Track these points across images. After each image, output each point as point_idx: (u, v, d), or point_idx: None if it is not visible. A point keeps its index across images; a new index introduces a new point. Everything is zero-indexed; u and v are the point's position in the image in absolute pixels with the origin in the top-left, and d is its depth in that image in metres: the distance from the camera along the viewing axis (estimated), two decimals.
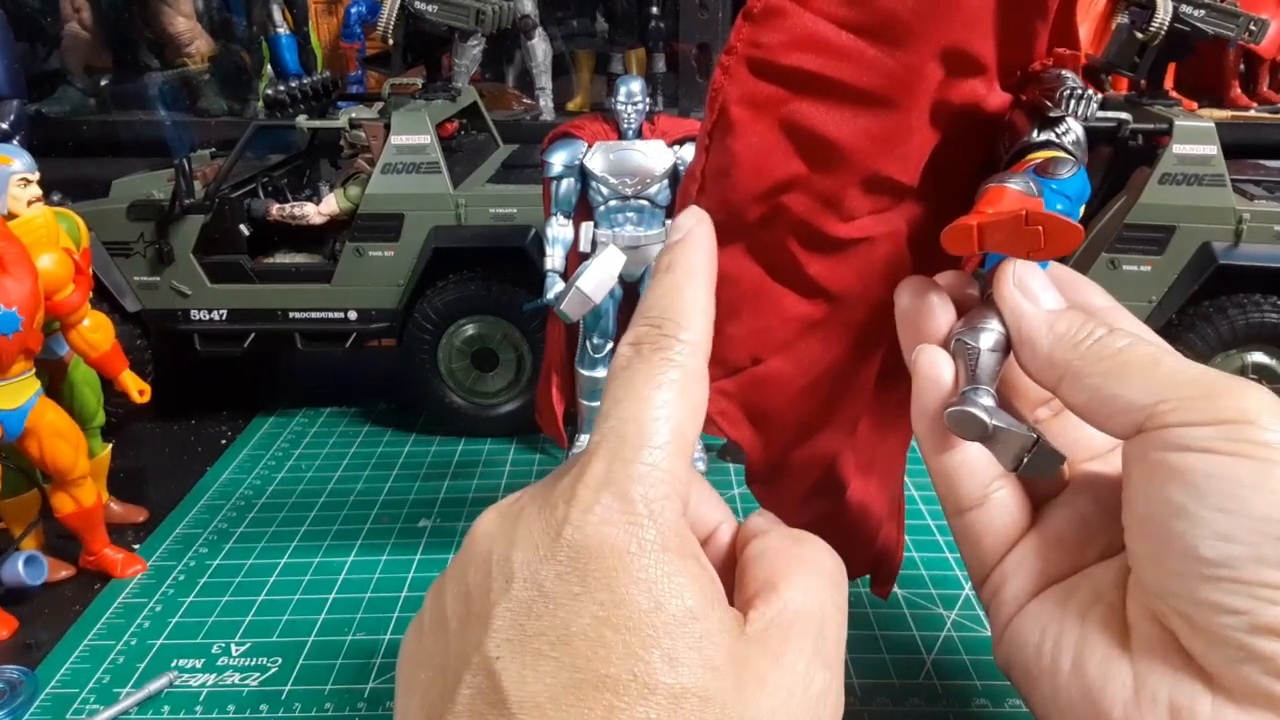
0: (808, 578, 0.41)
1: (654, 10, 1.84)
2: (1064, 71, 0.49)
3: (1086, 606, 0.44)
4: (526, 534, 0.37)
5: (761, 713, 0.35)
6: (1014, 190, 0.45)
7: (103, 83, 1.94)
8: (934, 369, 0.46)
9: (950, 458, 0.47)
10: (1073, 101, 0.48)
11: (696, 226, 0.45)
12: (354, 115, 1.29)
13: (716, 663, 0.35)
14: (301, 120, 1.27)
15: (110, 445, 1.08)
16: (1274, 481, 0.37)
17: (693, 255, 0.44)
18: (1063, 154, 0.48)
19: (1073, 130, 0.49)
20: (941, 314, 0.48)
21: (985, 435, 0.44)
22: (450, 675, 0.36)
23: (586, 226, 1.09)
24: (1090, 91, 0.48)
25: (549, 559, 0.36)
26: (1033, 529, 0.48)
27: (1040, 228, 0.42)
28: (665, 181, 1.06)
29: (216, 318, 1.27)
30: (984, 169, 0.49)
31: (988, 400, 0.45)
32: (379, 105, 1.36)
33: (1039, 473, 0.45)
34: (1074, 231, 0.41)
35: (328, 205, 1.27)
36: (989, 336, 0.46)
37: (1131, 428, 0.41)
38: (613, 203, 1.07)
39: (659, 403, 0.39)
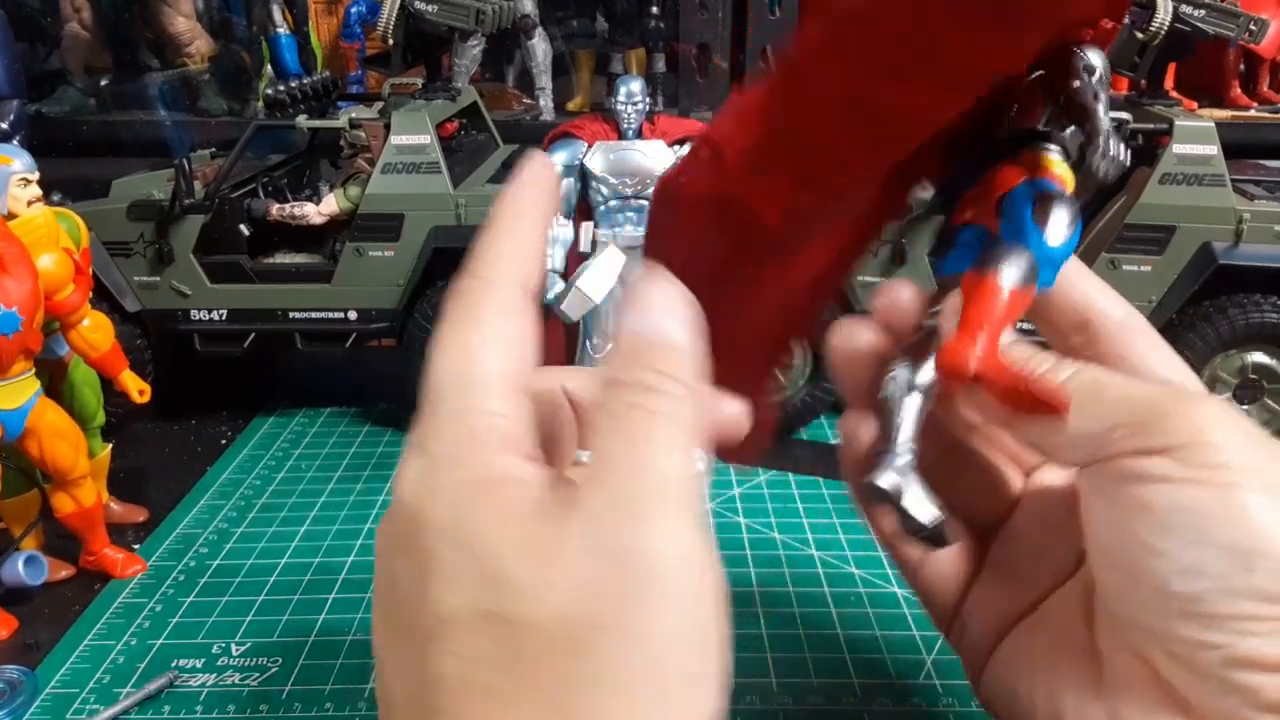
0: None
1: (654, 10, 1.84)
2: (1098, 92, 0.41)
3: (1055, 645, 0.43)
4: (581, 524, 0.32)
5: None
6: (1008, 286, 0.42)
7: (103, 83, 1.93)
8: (852, 434, 0.46)
9: (883, 521, 0.45)
10: (1098, 157, 0.43)
11: (525, 170, 0.42)
12: (354, 115, 1.29)
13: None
14: (301, 120, 1.27)
15: (110, 445, 1.08)
16: (1235, 507, 0.36)
17: (506, 201, 0.42)
18: (1061, 163, 0.44)
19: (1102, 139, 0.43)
20: (868, 369, 0.47)
21: (895, 504, 0.42)
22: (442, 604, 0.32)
23: (586, 226, 1.09)
24: (1120, 148, 0.43)
25: (387, 535, 0.34)
26: (984, 567, 0.48)
27: (1029, 395, 0.40)
28: None
29: (216, 318, 1.27)
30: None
31: (900, 468, 0.42)
32: (379, 105, 1.36)
33: (932, 545, 0.44)
34: (1059, 403, 0.39)
35: (328, 205, 1.27)
36: (922, 375, 0.44)
37: (1086, 458, 0.40)
38: (613, 203, 1.07)
39: (462, 347, 0.38)
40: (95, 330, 0.99)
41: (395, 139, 1.22)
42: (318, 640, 0.87)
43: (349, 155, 1.36)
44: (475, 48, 1.76)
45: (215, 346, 1.29)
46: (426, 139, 1.22)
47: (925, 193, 0.51)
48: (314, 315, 1.27)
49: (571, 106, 1.92)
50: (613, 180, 1.06)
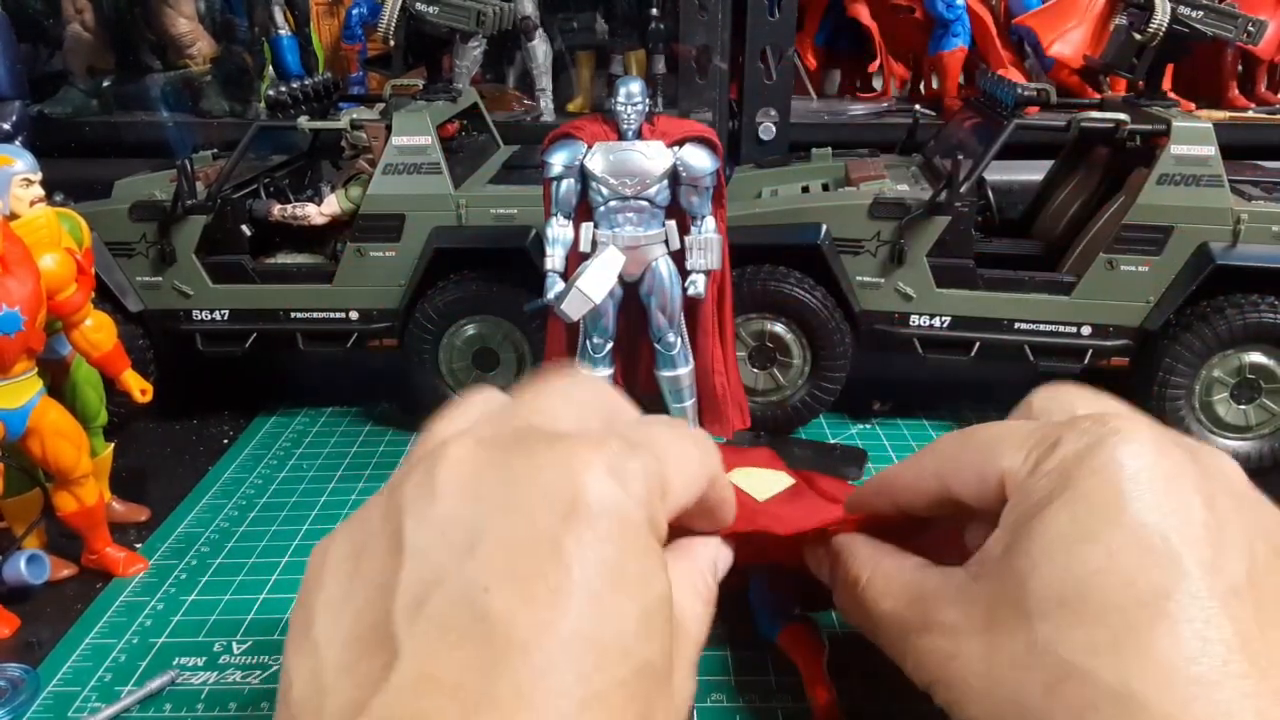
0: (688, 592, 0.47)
1: (654, 11, 1.84)
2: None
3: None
4: (530, 475, 0.38)
5: (676, 691, 0.40)
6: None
7: (105, 84, 1.94)
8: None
9: None
10: None
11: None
12: (355, 116, 1.30)
13: (668, 644, 0.39)
14: (303, 121, 1.28)
15: (112, 445, 1.08)
16: None
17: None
18: None
19: None
20: None
21: None
22: (407, 597, 0.36)
23: (586, 227, 1.09)
24: None
25: (553, 502, 0.37)
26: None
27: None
28: (665, 182, 1.06)
29: (218, 318, 1.28)
30: None
31: None
32: (380, 106, 1.37)
33: None
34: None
35: (329, 206, 1.28)
36: None
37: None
38: (613, 203, 1.07)
39: (675, 439, 0.44)
40: (97, 330, 0.99)
41: (396, 140, 1.23)
42: None
43: (350, 156, 1.36)
44: (476, 49, 1.77)
45: (217, 346, 1.29)
46: (427, 140, 1.23)
47: None
48: (315, 315, 1.27)
49: (572, 108, 1.92)
50: (613, 181, 1.06)
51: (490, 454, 0.39)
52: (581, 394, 0.46)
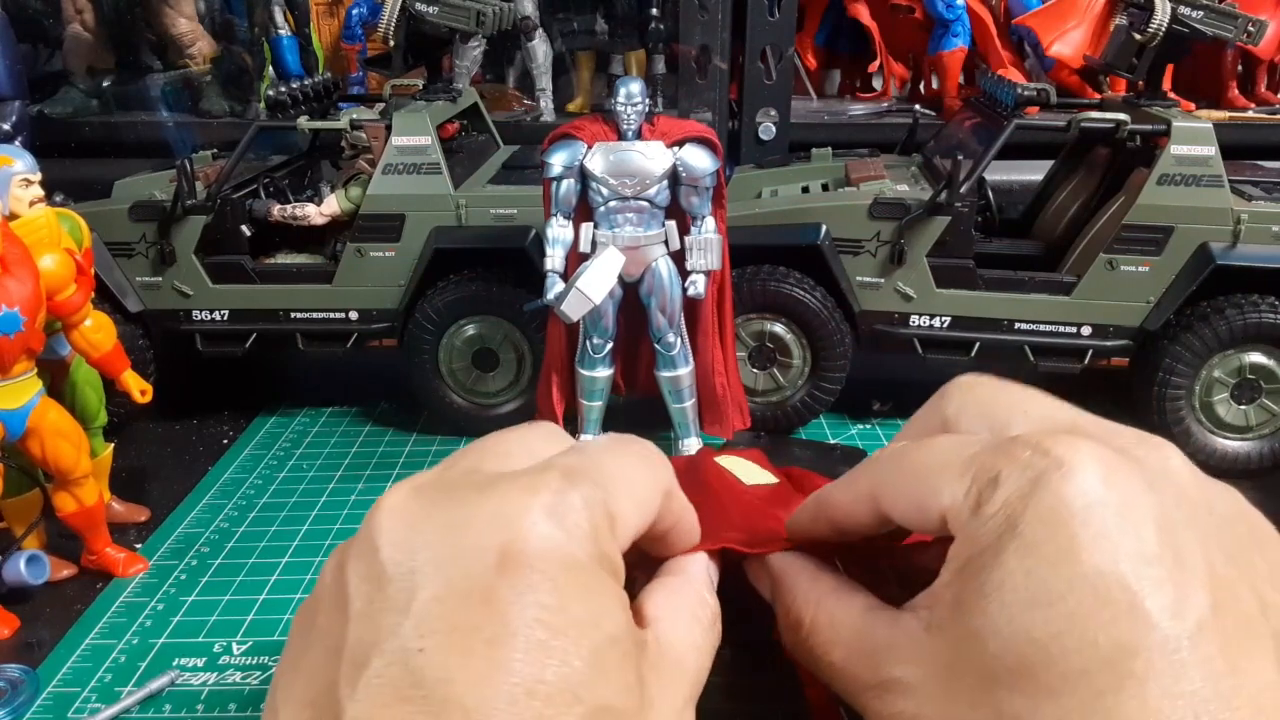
0: (684, 621, 0.44)
1: (654, 12, 1.85)
2: None
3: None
4: (464, 522, 0.37)
5: None
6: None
7: (105, 84, 1.94)
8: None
9: None
10: None
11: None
12: (355, 116, 1.30)
13: (630, 682, 0.36)
14: (303, 121, 1.28)
15: (112, 445, 1.08)
16: None
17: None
18: None
19: None
20: None
21: None
22: (350, 662, 0.35)
23: (586, 227, 1.09)
24: None
25: (487, 552, 0.35)
26: None
27: None
28: (665, 183, 1.06)
29: (218, 318, 1.28)
30: None
31: None
32: (380, 106, 1.37)
33: None
34: None
35: (329, 206, 1.28)
36: None
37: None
38: (612, 203, 1.07)
39: (620, 460, 0.42)
40: (97, 330, 0.99)
41: (396, 140, 1.23)
42: None
43: (350, 156, 1.36)
44: (476, 49, 1.77)
45: (217, 347, 1.29)
46: (427, 140, 1.23)
47: None
48: (315, 316, 1.27)
49: (572, 108, 1.92)
50: (612, 181, 1.06)
51: (425, 503, 0.38)
52: (535, 435, 0.45)
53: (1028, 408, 0.44)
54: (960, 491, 0.39)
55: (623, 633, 0.37)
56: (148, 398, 1.05)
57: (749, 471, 0.78)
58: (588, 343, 1.13)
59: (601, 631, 0.35)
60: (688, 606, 0.44)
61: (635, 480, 0.42)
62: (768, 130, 1.66)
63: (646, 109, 1.06)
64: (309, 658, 0.37)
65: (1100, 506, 0.35)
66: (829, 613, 0.45)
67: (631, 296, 1.12)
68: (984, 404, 0.45)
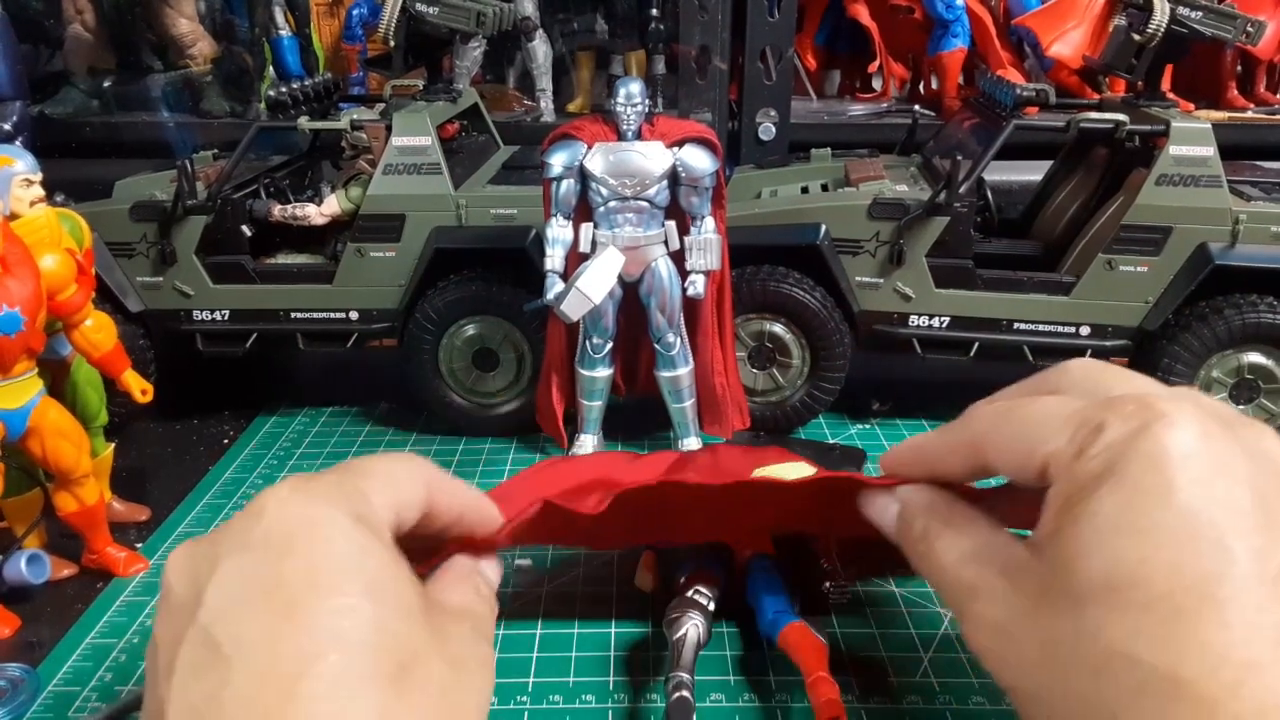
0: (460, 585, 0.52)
1: (654, 12, 1.85)
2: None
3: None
4: (228, 531, 0.42)
5: (453, 649, 0.43)
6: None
7: (106, 84, 1.94)
8: None
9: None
10: None
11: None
12: (355, 116, 1.30)
13: (414, 608, 0.41)
14: (303, 122, 1.28)
15: (113, 444, 1.08)
16: None
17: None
18: None
19: None
20: None
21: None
22: (165, 666, 0.39)
23: (586, 227, 1.10)
24: None
25: (252, 534, 0.40)
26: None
27: None
28: (664, 183, 1.07)
29: (219, 318, 1.28)
30: None
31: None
32: (380, 107, 1.37)
33: None
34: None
35: (329, 206, 1.28)
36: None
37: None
38: (612, 204, 1.07)
39: (370, 460, 0.49)
40: (98, 330, 0.99)
41: (396, 140, 1.23)
42: None
43: (350, 156, 1.36)
44: (476, 49, 1.77)
45: (217, 346, 1.30)
46: (427, 140, 1.23)
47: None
48: (315, 315, 1.28)
49: (572, 108, 1.92)
50: (612, 181, 1.06)
51: (199, 540, 0.44)
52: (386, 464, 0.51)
53: (1135, 382, 0.47)
54: (1064, 439, 0.41)
55: (392, 564, 0.42)
56: (148, 397, 1.05)
57: (788, 474, 0.80)
58: (588, 343, 1.14)
59: (369, 563, 0.40)
60: (457, 578, 0.52)
61: (386, 469, 0.48)
62: (767, 130, 1.66)
63: (646, 109, 1.07)
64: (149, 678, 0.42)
65: (1198, 458, 0.38)
66: (956, 527, 0.48)
67: (631, 296, 1.12)
68: (1097, 378, 0.48)
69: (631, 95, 1.05)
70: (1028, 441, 0.44)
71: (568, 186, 1.08)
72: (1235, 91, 1.89)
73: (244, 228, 1.27)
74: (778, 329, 1.25)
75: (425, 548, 0.54)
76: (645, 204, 1.07)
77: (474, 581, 0.52)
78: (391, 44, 1.33)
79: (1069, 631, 0.39)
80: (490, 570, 0.56)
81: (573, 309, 1.05)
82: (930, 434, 0.53)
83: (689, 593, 0.80)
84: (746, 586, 0.84)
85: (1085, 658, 0.38)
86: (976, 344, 1.24)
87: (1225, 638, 0.35)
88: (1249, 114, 1.83)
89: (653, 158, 1.06)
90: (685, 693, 0.70)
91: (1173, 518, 0.37)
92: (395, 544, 0.45)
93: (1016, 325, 1.23)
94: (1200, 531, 0.36)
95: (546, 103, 1.86)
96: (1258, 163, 1.39)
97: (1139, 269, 1.18)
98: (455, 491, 0.54)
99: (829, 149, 1.45)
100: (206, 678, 0.37)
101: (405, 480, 0.49)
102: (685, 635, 0.75)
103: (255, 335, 1.28)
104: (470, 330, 1.26)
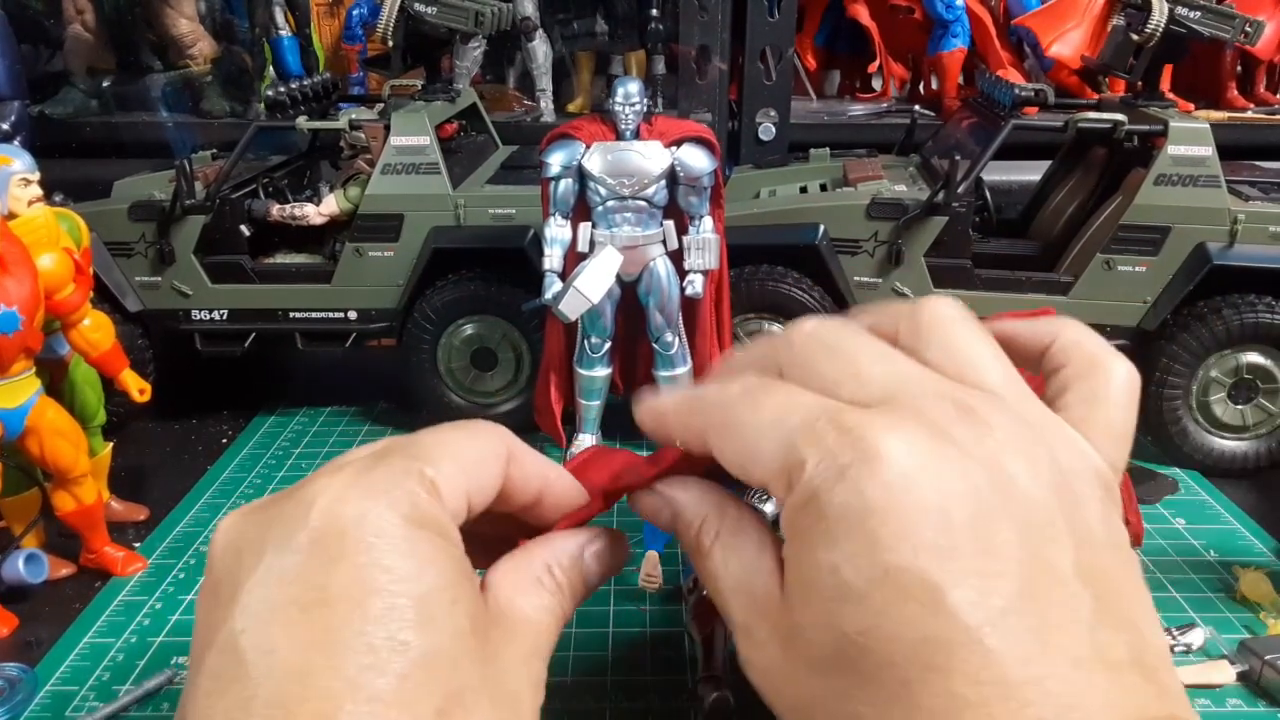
0: (527, 583, 0.44)
1: (654, 12, 1.85)
2: None
3: None
4: (277, 515, 0.38)
5: (503, 679, 0.38)
6: None
7: (105, 84, 1.94)
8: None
9: None
10: None
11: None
12: (354, 116, 1.30)
13: (463, 627, 0.37)
14: (302, 121, 1.28)
15: (111, 444, 1.08)
16: None
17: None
18: None
19: None
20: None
21: None
22: (194, 666, 0.36)
23: (585, 227, 1.10)
24: None
25: (299, 533, 0.36)
26: None
27: None
28: (663, 182, 1.07)
29: (217, 317, 1.28)
30: None
31: None
32: (379, 106, 1.37)
33: None
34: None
35: (328, 206, 1.28)
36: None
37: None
38: (610, 203, 1.07)
39: (440, 434, 0.43)
40: (96, 330, 1.00)
41: (395, 140, 1.23)
42: None
43: (349, 156, 1.36)
44: (476, 49, 1.77)
45: (216, 346, 1.30)
46: (426, 140, 1.23)
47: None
48: (314, 315, 1.28)
49: (572, 108, 1.92)
50: (610, 181, 1.06)
51: (247, 512, 0.40)
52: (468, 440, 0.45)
53: (859, 367, 0.41)
54: (776, 466, 0.38)
55: (449, 583, 0.37)
56: (146, 397, 1.05)
57: None
58: (586, 342, 1.14)
59: (423, 583, 0.36)
60: (529, 573, 0.44)
61: (459, 447, 0.42)
62: (767, 130, 1.66)
63: (644, 109, 1.07)
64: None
65: (902, 500, 0.35)
66: (724, 545, 0.44)
67: (630, 296, 1.12)
68: (807, 358, 0.43)
69: (630, 95, 1.05)
70: (746, 453, 0.40)
71: (566, 186, 1.08)
72: (1235, 91, 1.89)
73: (242, 227, 1.27)
74: (776, 329, 1.25)
75: (497, 534, 0.48)
76: (643, 203, 1.07)
77: (542, 584, 0.45)
78: (390, 44, 1.33)
79: (815, 692, 0.37)
80: (565, 558, 0.48)
81: (571, 308, 1.05)
82: (670, 403, 0.47)
83: (703, 597, 0.79)
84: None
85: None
86: None
87: (952, 706, 0.33)
88: (1249, 114, 1.83)
89: (651, 157, 1.06)
90: (725, 691, 0.69)
91: (883, 582, 0.34)
92: (461, 536, 0.41)
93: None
94: (911, 592, 0.34)
95: (546, 103, 1.86)
96: (1257, 163, 1.39)
97: (1137, 269, 1.18)
98: (536, 467, 0.47)
99: (828, 149, 1.45)
100: (229, 693, 0.34)
101: (480, 460, 0.43)
102: (715, 632, 0.74)
103: (254, 335, 1.28)
104: (469, 330, 1.26)
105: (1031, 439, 0.39)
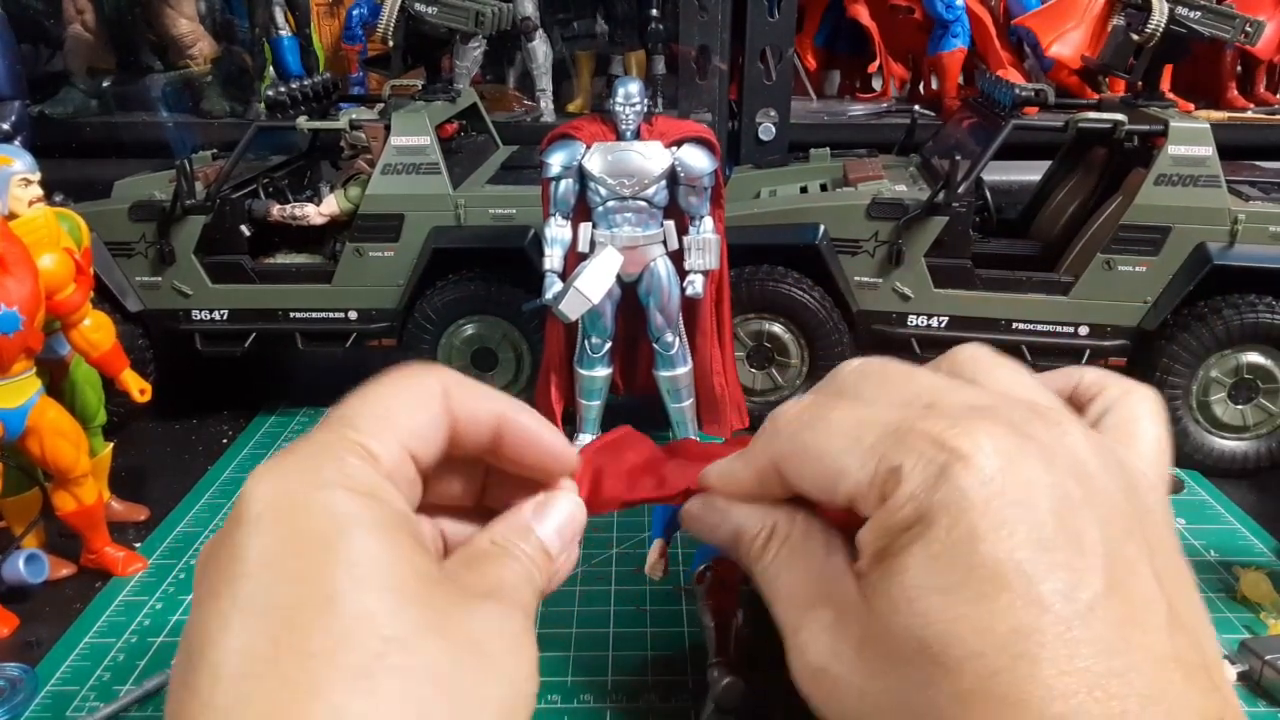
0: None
1: (654, 12, 1.85)
2: None
3: None
4: (225, 542, 0.37)
5: (486, 658, 0.37)
6: None
7: (105, 84, 1.94)
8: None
9: None
10: None
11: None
12: (354, 116, 1.30)
13: (412, 588, 0.37)
14: (302, 121, 1.28)
15: (111, 444, 1.08)
16: None
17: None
18: None
19: None
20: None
21: None
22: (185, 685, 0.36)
23: (585, 227, 1.10)
24: None
25: (231, 523, 0.37)
26: None
27: None
28: (663, 183, 1.07)
29: (217, 318, 1.28)
30: None
31: None
32: (379, 106, 1.37)
33: None
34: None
35: (328, 206, 1.28)
36: None
37: None
38: (611, 203, 1.07)
39: (371, 392, 0.43)
40: (96, 330, 1.00)
41: (395, 140, 1.23)
42: None
43: (349, 156, 1.36)
44: (476, 49, 1.77)
45: (216, 346, 1.30)
46: (426, 140, 1.23)
47: None
48: (314, 315, 1.28)
49: (572, 108, 1.92)
50: (611, 181, 1.06)
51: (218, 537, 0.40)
52: (397, 397, 0.45)
53: (917, 389, 0.43)
54: (864, 480, 0.39)
55: (386, 539, 0.37)
56: (147, 397, 1.05)
57: None
58: (586, 342, 1.13)
59: (354, 547, 0.36)
60: (501, 538, 0.44)
61: (386, 402, 0.42)
62: (767, 130, 1.66)
63: (645, 109, 1.07)
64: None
65: (999, 496, 0.36)
66: (792, 538, 0.45)
67: (630, 296, 1.12)
68: (874, 386, 0.45)
69: (630, 95, 1.05)
70: (828, 474, 0.41)
71: (566, 186, 1.08)
72: (1235, 91, 1.89)
73: (243, 227, 1.27)
74: (776, 329, 1.25)
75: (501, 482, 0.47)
76: (644, 204, 1.07)
77: (515, 547, 0.44)
78: (390, 44, 1.33)
79: (888, 689, 0.38)
80: (554, 519, 0.46)
81: (571, 309, 1.05)
82: (735, 461, 0.48)
83: (717, 585, 0.78)
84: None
85: (909, 716, 0.37)
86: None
87: (1041, 694, 0.34)
88: (1249, 114, 1.83)
89: (651, 157, 1.06)
90: (735, 677, 0.69)
91: (979, 572, 0.36)
92: (421, 481, 0.41)
93: (1015, 325, 1.23)
94: (1007, 582, 0.35)
95: (546, 103, 1.86)
96: (1257, 163, 1.39)
97: (1138, 269, 1.18)
98: (484, 401, 0.45)
99: (828, 149, 1.45)
100: (179, 676, 0.34)
101: (411, 408, 0.43)
102: (730, 620, 0.74)
103: (254, 335, 1.28)
104: (469, 330, 1.26)
105: (1099, 441, 0.40)
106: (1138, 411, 0.45)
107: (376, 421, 0.41)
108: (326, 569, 0.35)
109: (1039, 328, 1.22)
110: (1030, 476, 0.37)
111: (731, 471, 0.48)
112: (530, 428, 0.46)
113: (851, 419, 0.42)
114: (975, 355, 0.46)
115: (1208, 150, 1.15)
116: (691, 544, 0.93)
